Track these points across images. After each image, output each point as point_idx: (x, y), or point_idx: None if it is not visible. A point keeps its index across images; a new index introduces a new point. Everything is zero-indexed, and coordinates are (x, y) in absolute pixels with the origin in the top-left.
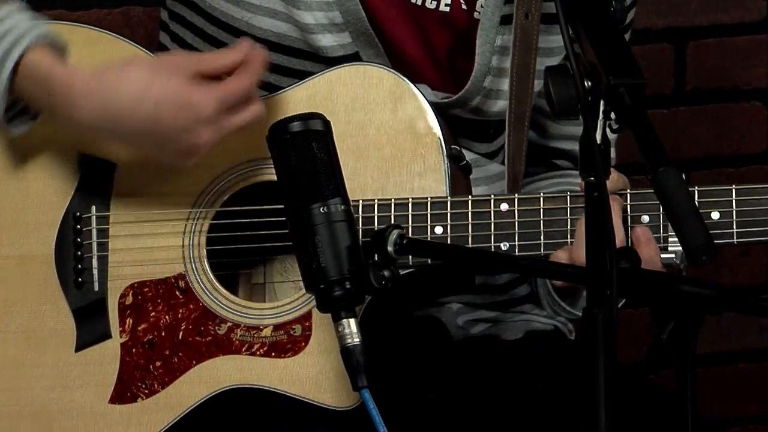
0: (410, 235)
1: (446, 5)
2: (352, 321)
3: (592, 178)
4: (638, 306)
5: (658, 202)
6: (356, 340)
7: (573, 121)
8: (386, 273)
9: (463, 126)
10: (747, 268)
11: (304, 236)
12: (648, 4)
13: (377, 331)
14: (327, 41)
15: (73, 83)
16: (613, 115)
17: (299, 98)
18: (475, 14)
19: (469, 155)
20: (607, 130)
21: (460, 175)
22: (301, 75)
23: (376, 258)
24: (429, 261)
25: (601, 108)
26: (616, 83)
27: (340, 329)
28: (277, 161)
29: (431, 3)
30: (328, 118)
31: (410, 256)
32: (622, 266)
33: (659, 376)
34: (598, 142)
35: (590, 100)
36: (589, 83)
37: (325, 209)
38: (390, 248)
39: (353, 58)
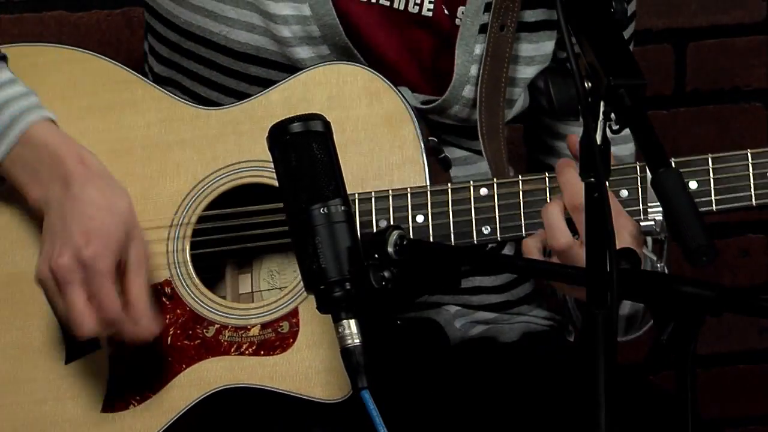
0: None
1: (429, 10)
2: (352, 322)
3: (592, 179)
4: None
5: (635, 176)
6: (356, 341)
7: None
8: (386, 274)
9: (449, 127)
10: (747, 268)
11: (304, 237)
12: (648, 4)
13: (375, 332)
14: (305, 53)
15: (86, 162)
16: (613, 116)
17: (276, 101)
18: (457, 21)
19: (459, 152)
20: (607, 130)
21: (439, 169)
22: None
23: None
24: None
25: (602, 109)
26: (616, 84)
27: (340, 330)
28: (277, 162)
29: (413, 7)
30: (328, 119)
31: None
32: (622, 267)
33: (659, 377)
34: (599, 142)
35: (590, 101)
36: (589, 84)
37: (325, 210)
38: (390, 249)
39: None
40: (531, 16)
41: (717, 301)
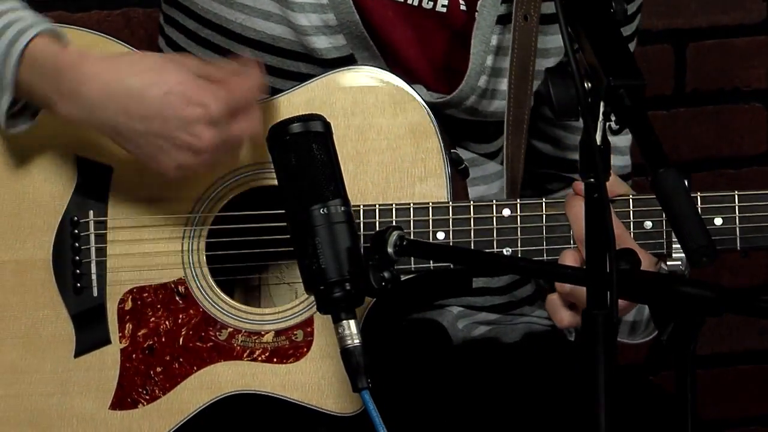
0: None
1: (443, 6)
2: (352, 322)
3: (592, 179)
4: None
5: (661, 208)
6: (356, 341)
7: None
8: (386, 274)
9: (460, 126)
10: (747, 269)
11: (304, 237)
12: (648, 5)
13: (378, 333)
14: (321, 43)
15: (84, 62)
16: (613, 117)
17: (298, 102)
18: (476, 15)
19: (466, 154)
20: (607, 131)
21: (457, 178)
22: (296, 76)
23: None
24: (431, 264)
25: (601, 109)
26: (616, 84)
27: (340, 330)
28: (277, 163)
29: (428, 3)
30: (328, 120)
31: (412, 261)
32: (622, 267)
33: (659, 377)
34: (599, 143)
35: (590, 102)
36: (589, 84)
37: (325, 210)
38: (390, 249)
39: (348, 59)
40: (551, 7)
41: (717, 302)
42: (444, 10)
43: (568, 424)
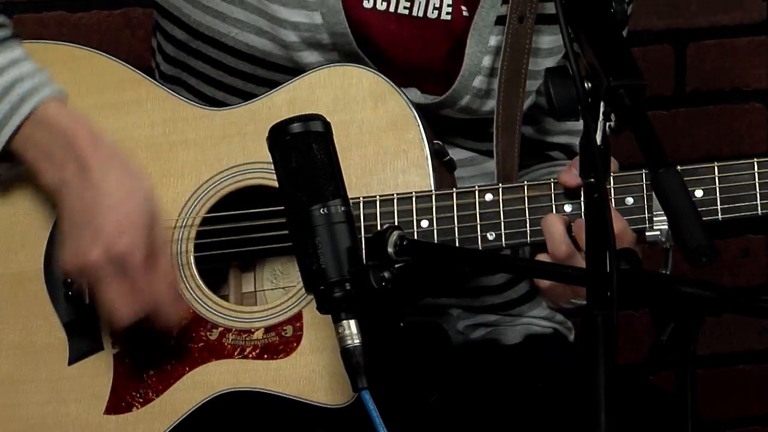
0: None
1: (447, 14)
2: (352, 322)
3: (591, 179)
4: (638, 307)
5: (641, 183)
6: (356, 341)
7: None
8: (386, 274)
9: (458, 125)
10: (747, 269)
11: (304, 237)
12: (648, 4)
13: (378, 334)
14: (312, 58)
15: (99, 144)
16: (613, 117)
17: (280, 102)
18: (475, 16)
19: (465, 154)
20: (607, 131)
21: (444, 171)
22: None
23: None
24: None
25: (602, 109)
26: (617, 84)
27: (340, 330)
28: (277, 163)
29: (432, 12)
30: (330, 120)
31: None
32: (622, 267)
33: (659, 377)
34: (599, 143)
35: (590, 102)
36: (589, 85)
37: (325, 210)
38: (390, 249)
39: None
40: (551, 8)
41: (717, 302)
42: (449, 18)
43: (568, 424)
